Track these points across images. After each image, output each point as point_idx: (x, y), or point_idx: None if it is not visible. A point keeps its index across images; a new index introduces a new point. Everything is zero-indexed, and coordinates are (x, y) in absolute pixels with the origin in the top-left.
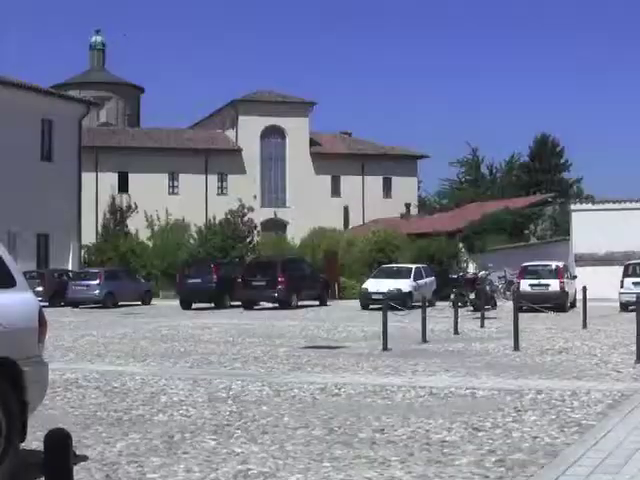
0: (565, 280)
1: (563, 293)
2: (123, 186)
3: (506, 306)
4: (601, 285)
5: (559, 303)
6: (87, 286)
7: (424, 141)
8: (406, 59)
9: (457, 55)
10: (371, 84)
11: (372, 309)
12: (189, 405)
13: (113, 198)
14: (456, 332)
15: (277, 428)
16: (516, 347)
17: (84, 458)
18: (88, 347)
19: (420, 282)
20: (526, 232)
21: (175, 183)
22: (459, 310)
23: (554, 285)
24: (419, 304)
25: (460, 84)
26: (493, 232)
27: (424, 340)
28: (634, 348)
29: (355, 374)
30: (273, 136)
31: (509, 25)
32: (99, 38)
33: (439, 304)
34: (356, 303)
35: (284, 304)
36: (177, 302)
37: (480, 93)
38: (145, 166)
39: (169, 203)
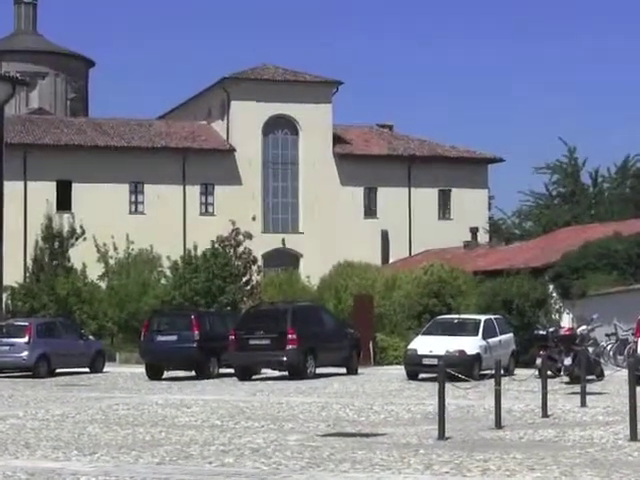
0: None
1: None
2: (64, 201)
3: (617, 376)
4: None
5: None
6: (10, 346)
7: (495, 138)
8: (468, 25)
9: (543, 31)
10: (419, 58)
11: (423, 379)
12: None
13: (49, 219)
14: (545, 414)
15: None
16: (633, 436)
17: None
18: (11, 434)
19: (492, 341)
20: None
21: (139, 197)
22: (549, 381)
23: None
24: (491, 372)
25: (545, 63)
26: (598, 269)
27: (498, 425)
28: None
29: (399, 473)
30: (281, 130)
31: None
32: None
33: (519, 372)
34: (400, 370)
35: (296, 372)
36: (142, 369)
37: (576, 75)
38: (96, 173)
39: (131, 226)
